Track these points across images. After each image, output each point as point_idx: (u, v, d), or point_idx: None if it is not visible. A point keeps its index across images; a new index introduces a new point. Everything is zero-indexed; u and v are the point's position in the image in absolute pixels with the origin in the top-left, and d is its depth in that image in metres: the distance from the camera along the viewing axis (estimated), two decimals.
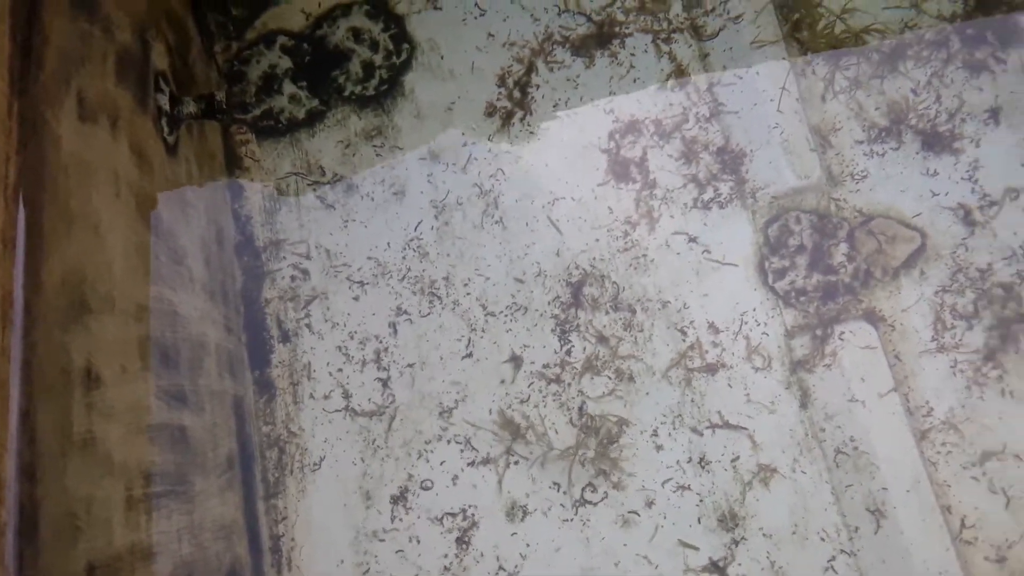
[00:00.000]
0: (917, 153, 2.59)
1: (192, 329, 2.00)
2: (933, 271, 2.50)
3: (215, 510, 1.95)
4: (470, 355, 2.52)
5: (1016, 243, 2.48)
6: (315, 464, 2.43)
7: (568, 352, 2.51)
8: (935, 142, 2.59)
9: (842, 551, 2.32)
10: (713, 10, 2.74)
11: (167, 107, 2.10)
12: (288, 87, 2.72)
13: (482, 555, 2.36)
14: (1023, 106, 2.58)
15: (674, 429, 2.44)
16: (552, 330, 2.53)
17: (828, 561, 2.32)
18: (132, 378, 1.62)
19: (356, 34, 2.76)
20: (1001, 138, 2.57)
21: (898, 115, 2.62)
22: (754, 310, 2.51)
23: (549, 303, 2.55)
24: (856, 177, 2.59)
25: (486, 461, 2.43)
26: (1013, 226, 2.50)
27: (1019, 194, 2.52)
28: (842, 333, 2.46)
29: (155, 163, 1.98)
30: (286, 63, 2.73)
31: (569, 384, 2.49)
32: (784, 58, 2.68)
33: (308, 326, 2.54)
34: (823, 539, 2.34)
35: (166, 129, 2.10)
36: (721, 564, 2.34)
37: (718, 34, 2.72)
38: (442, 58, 2.76)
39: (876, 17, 2.67)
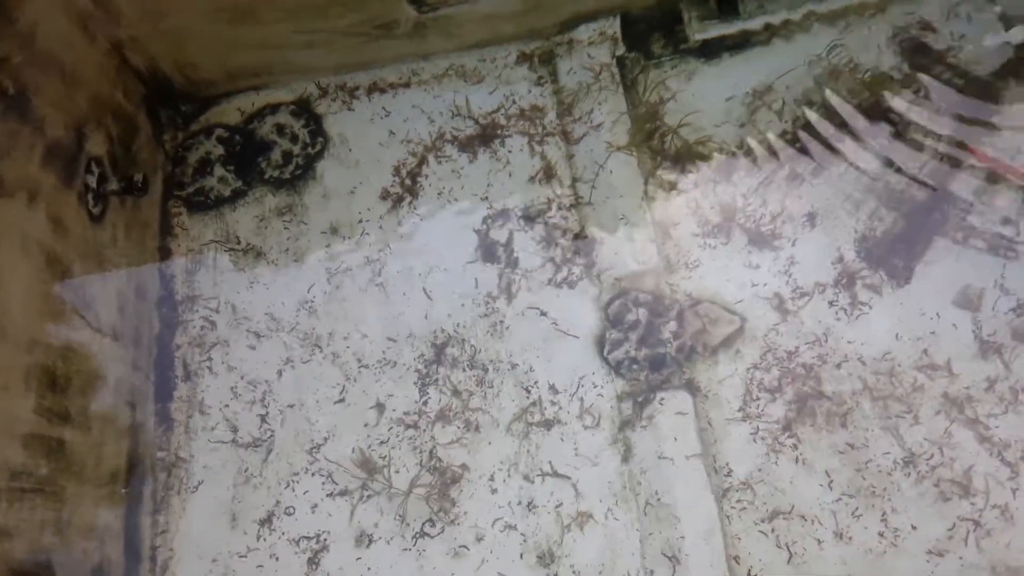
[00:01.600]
0: (743, 248, 2.99)
1: (89, 364, 2.47)
2: (747, 350, 2.86)
3: (88, 514, 2.37)
4: (342, 400, 2.94)
5: (820, 330, 2.84)
6: (195, 487, 2.85)
7: (425, 403, 2.91)
8: (759, 240, 2.99)
9: None
10: (580, 118, 3.22)
11: (95, 185, 2.63)
12: (219, 170, 3.26)
13: (328, 575, 2.73)
14: (836, 212, 2.97)
15: (509, 476, 2.80)
16: (414, 383, 2.94)
17: None
18: (13, 395, 2.08)
19: (280, 129, 3.30)
20: (815, 239, 2.96)
21: (729, 215, 3.03)
22: (591, 375, 2.89)
23: (415, 359, 2.97)
24: (690, 265, 2.99)
25: (343, 493, 2.82)
26: (818, 315, 2.86)
27: (826, 288, 2.89)
28: (662, 399, 2.82)
29: (74, 230, 2.49)
30: (220, 150, 3.28)
31: (424, 430, 2.88)
32: (634, 160, 3.12)
33: (209, 368, 3.00)
34: None
35: (91, 202, 2.62)
36: None
37: (582, 139, 3.19)
38: (350, 150, 3.28)
39: (709, 132, 3.12)
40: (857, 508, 2.62)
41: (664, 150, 3.15)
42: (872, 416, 2.71)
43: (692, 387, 2.84)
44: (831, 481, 2.66)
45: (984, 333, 2.72)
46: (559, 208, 3.12)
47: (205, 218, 3.21)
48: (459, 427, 2.88)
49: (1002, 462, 2.58)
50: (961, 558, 2.50)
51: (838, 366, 2.79)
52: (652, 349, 2.91)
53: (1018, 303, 2.73)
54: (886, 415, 2.70)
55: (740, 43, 3.26)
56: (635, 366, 2.89)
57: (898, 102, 3.06)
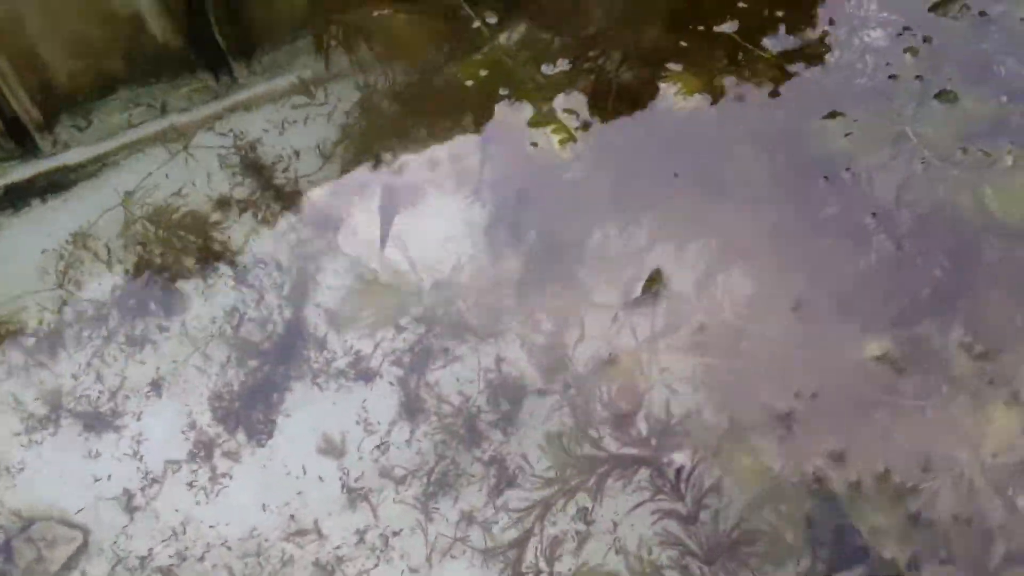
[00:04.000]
0: (78, 436, 2.49)
1: None
2: (94, 570, 2.38)
3: None
4: None
5: (176, 521, 2.45)
6: None
7: None
8: (96, 423, 2.51)
9: None
10: None
11: None
12: None
13: None
14: (184, 374, 2.60)
15: None
16: None
17: None
18: None
19: None
20: (163, 409, 2.56)
21: (57, 401, 2.51)
22: None
23: None
24: (13, 471, 2.43)
25: None
26: (174, 502, 2.46)
27: (181, 466, 2.51)
28: None
29: None
30: None
31: None
32: None
33: None
34: None
35: None
36: None
37: None
38: None
39: (18, 304, 2.58)
40: None
41: None
42: None
43: None
44: None
45: (352, 480, 2.56)
46: None
47: None
48: None
49: None
50: None
51: (201, 559, 2.44)
52: None
53: (381, 440, 2.61)
54: None
55: (54, 184, 2.74)
56: None
57: (234, 233, 2.78)
